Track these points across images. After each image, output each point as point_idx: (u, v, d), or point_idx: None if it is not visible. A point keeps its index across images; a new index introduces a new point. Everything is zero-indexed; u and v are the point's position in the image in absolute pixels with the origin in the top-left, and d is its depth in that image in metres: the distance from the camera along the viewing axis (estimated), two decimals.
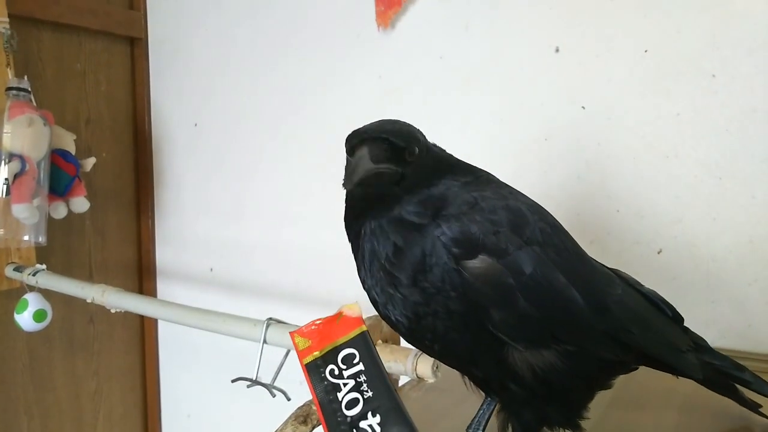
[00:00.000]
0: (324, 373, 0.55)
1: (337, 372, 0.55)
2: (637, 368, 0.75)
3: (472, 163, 0.74)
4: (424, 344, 0.69)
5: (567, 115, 1.24)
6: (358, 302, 0.59)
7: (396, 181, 0.67)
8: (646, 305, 0.75)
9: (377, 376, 0.54)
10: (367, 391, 0.54)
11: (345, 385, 0.54)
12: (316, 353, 0.55)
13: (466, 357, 0.68)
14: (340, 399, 0.54)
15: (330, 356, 0.55)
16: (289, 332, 0.57)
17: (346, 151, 0.68)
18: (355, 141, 0.68)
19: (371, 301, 0.68)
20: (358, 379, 0.54)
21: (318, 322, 0.57)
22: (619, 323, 0.69)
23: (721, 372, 0.77)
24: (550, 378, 0.66)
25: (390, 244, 0.65)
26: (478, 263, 0.62)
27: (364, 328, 0.56)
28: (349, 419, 0.53)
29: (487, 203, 0.65)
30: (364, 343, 0.56)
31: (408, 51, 1.41)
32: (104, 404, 1.88)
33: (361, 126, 0.69)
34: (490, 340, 0.65)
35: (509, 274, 0.63)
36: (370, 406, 0.53)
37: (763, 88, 1.08)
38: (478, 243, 0.63)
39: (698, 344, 0.77)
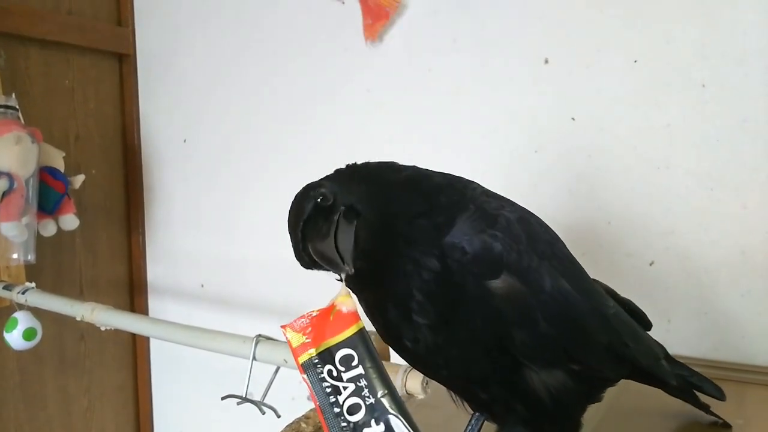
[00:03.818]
0: (322, 373, 0.51)
1: (335, 374, 0.51)
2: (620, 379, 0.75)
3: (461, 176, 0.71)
4: (431, 369, 0.67)
5: (557, 127, 1.23)
6: (349, 292, 0.56)
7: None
8: (629, 316, 0.75)
9: (379, 382, 0.51)
10: (368, 398, 0.50)
11: (345, 388, 0.51)
12: (312, 351, 0.52)
13: (477, 381, 0.66)
14: (341, 402, 0.51)
15: (327, 355, 0.52)
16: (281, 326, 0.54)
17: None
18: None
19: (389, 338, 0.64)
20: (358, 384, 0.51)
21: (313, 314, 0.53)
22: (617, 336, 0.68)
23: (683, 378, 0.78)
24: (563, 397, 0.64)
25: (416, 282, 0.61)
26: (500, 283, 0.60)
27: (360, 324, 0.53)
28: (352, 425, 0.50)
29: (504, 216, 0.62)
30: (362, 342, 0.52)
31: (396, 64, 1.40)
32: (96, 422, 1.86)
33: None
34: (509, 362, 0.63)
35: (530, 293, 0.61)
36: (373, 414, 0.50)
37: (753, 97, 1.08)
38: (501, 261, 0.60)
39: (664, 351, 0.77)
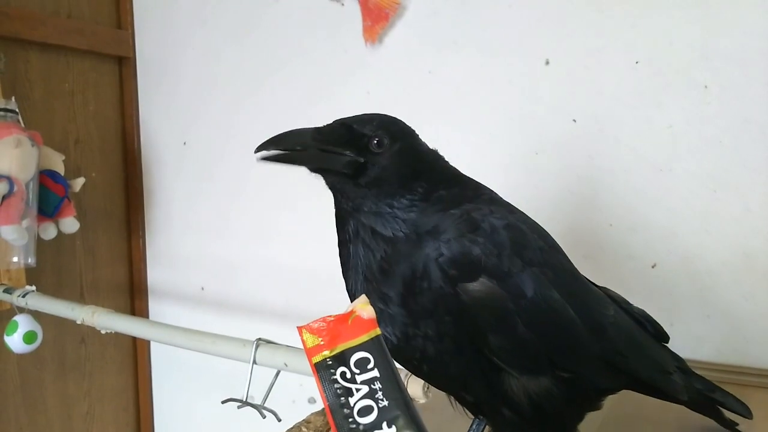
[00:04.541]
0: (335, 374, 0.51)
1: (349, 376, 0.51)
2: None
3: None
4: (412, 364, 0.67)
5: (558, 129, 1.23)
6: (370, 302, 0.56)
7: (351, 171, 0.64)
8: (636, 327, 0.74)
9: (393, 385, 0.51)
10: (382, 400, 0.50)
11: (358, 390, 0.51)
12: (326, 353, 0.51)
13: (458, 381, 0.67)
14: (352, 404, 0.50)
15: (341, 358, 0.52)
16: (297, 327, 0.53)
17: None
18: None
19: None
20: (372, 386, 0.50)
21: (329, 319, 0.53)
22: (613, 346, 0.67)
23: (701, 393, 0.76)
24: (544, 404, 0.64)
25: (376, 254, 0.63)
26: (478, 286, 0.60)
27: (378, 331, 0.52)
28: (362, 427, 0.50)
29: (489, 223, 0.63)
30: (378, 347, 0.52)
31: (396, 66, 1.40)
32: (96, 425, 1.86)
33: None
34: (485, 365, 0.63)
35: (510, 298, 0.61)
36: (385, 417, 0.50)
37: (755, 98, 1.07)
38: (479, 265, 0.60)
39: (680, 365, 0.76)
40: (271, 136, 0.64)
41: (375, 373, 0.51)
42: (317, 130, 0.64)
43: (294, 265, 1.60)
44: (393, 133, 0.66)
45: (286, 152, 0.63)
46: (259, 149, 0.63)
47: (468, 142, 1.33)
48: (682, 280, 1.14)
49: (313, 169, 0.66)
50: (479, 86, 1.31)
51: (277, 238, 1.63)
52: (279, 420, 1.00)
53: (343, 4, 1.45)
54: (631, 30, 1.15)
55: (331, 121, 0.67)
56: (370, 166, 0.64)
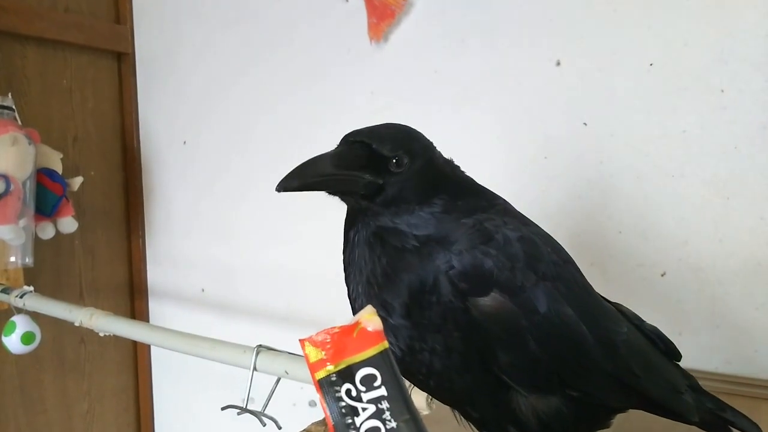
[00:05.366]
0: (340, 392, 0.48)
1: (354, 393, 0.48)
2: None
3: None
4: (417, 379, 0.66)
5: (568, 132, 1.20)
6: (376, 312, 0.54)
7: (369, 192, 0.62)
8: (648, 345, 0.73)
9: (402, 405, 0.48)
10: (390, 421, 0.47)
11: (364, 409, 0.48)
12: (330, 368, 0.49)
13: (464, 397, 0.65)
14: (358, 425, 0.48)
15: (346, 373, 0.49)
16: (300, 339, 0.51)
17: None
18: (341, 142, 0.65)
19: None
20: (379, 406, 0.48)
21: (334, 330, 0.50)
22: (625, 365, 0.66)
23: (711, 412, 0.74)
24: (553, 424, 0.63)
25: (382, 260, 0.62)
26: (489, 301, 0.59)
27: (385, 344, 0.49)
28: None
29: (502, 234, 0.61)
30: (386, 363, 0.49)
31: (401, 65, 1.38)
32: (96, 425, 1.85)
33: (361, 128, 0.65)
34: (493, 382, 0.62)
35: (522, 314, 0.59)
36: None
37: None
38: (491, 279, 0.59)
39: (690, 383, 0.74)
40: (291, 170, 0.61)
41: (382, 391, 0.48)
42: (336, 156, 0.62)
43: (295, 267, 1.59)
44: (413, 151, 0.64)
45: (306, 182, 0.61)
46: (281, 186, 0.60)
47: (474, 145, 1.30)
48: (693, 289, 1.12)
49: (331, 192, 0.64)
50: (487, 87, 1.28)
51: (279, 240, 1.62)
52: (279, 428, 0.99)
53: (347, 1, 1.42)
54: (646, 31, 1.12)
55: (347, 137, 0.64)
56: (389, 187, 0.63)
